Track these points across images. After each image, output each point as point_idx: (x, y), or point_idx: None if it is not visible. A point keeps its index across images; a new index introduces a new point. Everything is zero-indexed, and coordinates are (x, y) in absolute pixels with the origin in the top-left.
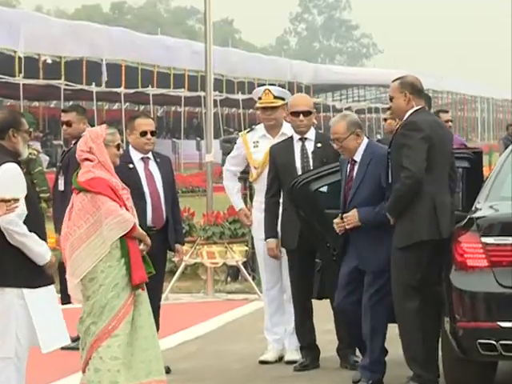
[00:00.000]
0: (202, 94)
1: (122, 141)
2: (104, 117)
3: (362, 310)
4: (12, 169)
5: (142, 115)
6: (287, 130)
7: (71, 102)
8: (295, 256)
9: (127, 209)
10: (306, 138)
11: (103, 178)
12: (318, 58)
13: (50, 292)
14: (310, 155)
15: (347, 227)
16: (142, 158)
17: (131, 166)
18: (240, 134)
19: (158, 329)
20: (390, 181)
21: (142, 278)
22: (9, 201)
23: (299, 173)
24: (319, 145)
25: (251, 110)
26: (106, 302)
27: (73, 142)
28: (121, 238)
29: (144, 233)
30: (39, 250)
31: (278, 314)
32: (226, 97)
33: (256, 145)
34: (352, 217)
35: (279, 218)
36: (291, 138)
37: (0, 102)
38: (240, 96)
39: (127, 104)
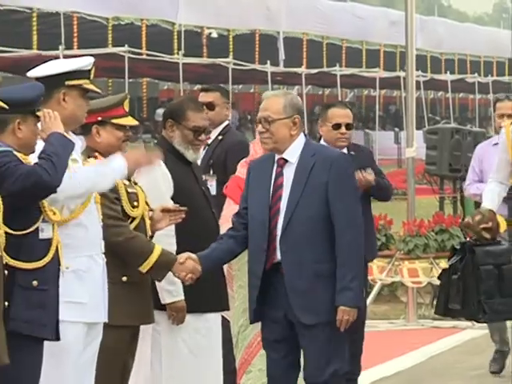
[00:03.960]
0: (402, 74)
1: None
2: None
3: None
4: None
5: (338, 104)
6: None
7: (241, 86)
8: None
9: None
10: None
11: (240, 176)
12: None
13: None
14: None
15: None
16: None
17: None
18: (503, 123)
19: (359, 371)
20: None
21: None
22: (172, 211)
23: None
24: None
25: (462, 94)
26: (237, 331)
27: (219, 129)
28: None
29: None
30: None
31: None
32: (431, 77)
33: None
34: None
35: None
36: None
37: (156, 85)
38: (448, 76)
39: (309, 87)
